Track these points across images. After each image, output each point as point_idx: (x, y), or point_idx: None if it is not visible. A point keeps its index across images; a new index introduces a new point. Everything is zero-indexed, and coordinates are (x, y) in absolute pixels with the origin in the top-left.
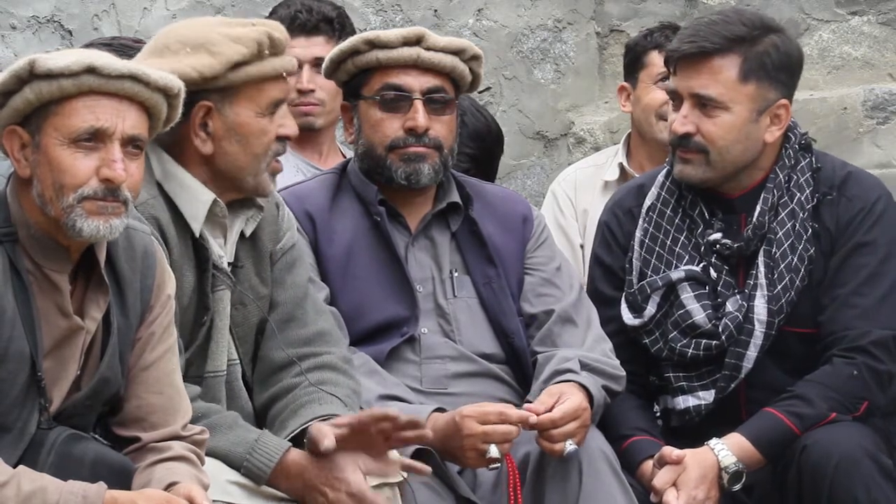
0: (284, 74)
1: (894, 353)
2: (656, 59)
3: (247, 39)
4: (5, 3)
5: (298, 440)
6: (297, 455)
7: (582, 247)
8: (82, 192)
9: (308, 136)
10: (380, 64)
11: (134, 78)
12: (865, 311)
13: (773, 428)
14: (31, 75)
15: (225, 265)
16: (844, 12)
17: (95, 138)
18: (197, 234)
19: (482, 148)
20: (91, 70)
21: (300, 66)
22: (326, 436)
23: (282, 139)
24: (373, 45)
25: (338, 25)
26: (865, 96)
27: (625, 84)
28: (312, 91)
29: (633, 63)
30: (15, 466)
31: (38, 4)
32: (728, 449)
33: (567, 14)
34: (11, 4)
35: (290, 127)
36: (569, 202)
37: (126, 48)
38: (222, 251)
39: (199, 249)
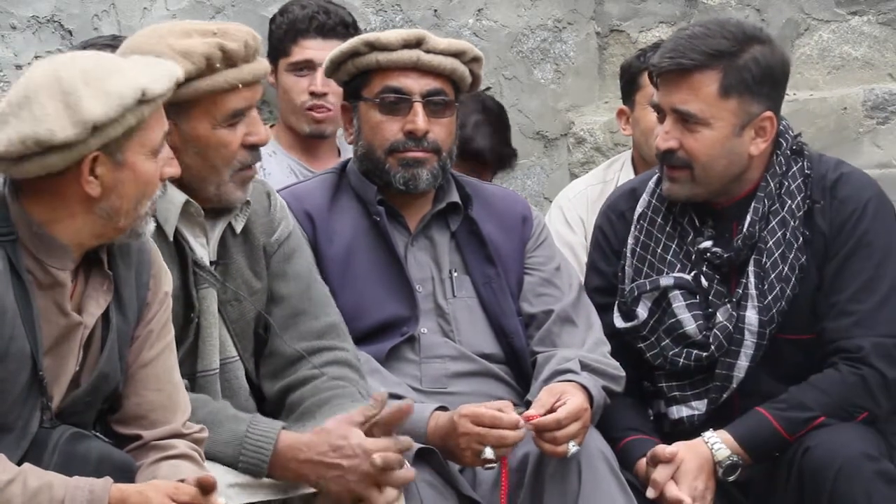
0: (241, 86)
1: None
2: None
3: (195, 55)
4: (5, 3)
5: None
6: (289, 438)
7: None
8: (155, 197)
9: (315, 143)
10: (380, 66)
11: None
12: (863, 318)
13: (762, 430)
14: (138, 103)
15: (206, 263)
16: (844, 12)
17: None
18: (170, 237)
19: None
20: (176, 82)
21: (314, 67)
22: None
23: (251, 147)
24: (373, 46)
25: (353, 31)
26: (865, 96)
27: (623, 108)
28: (325, 94)
29: (629, 85)
30: (18, 465)
31: (38, 4)
32: (722, 442)
33: (567, 14)
34: (11, 4)
35: (259, 134)
36: (580, 222)
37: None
38: (204, 250)
39: (181, 248)
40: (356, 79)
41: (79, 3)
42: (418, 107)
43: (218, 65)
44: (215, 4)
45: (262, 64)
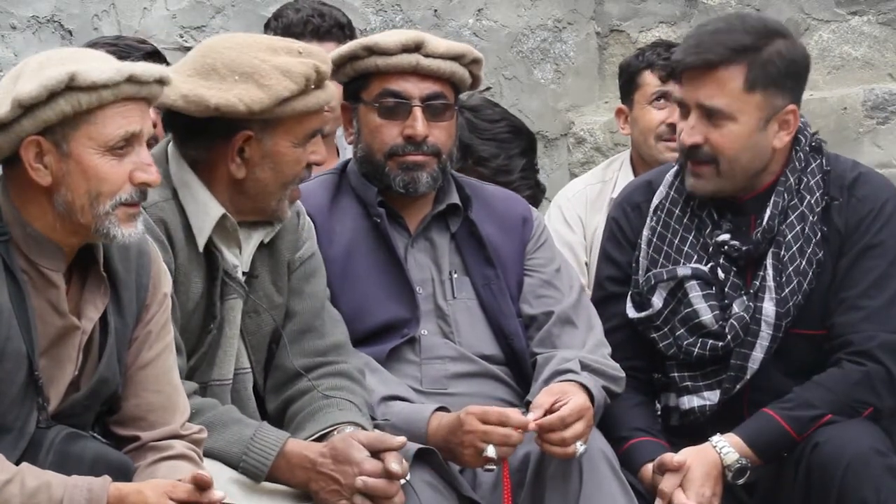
0: (326, 108)
1: None
2: (649, 79)
3: (296, 74)
4: (5, 3)
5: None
6: (296, 445)
7: (587, 264)
8: (119, 199)
9: None
10: (378, 70)
11: (161, 81)
12: (873, 313)
13: (770, 430)
14: (67, 88)
15: (239, 275)
16: (844, 12)
17: (127, 143)
18: (201, 248)
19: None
20: (130, 79)
21: None
22: (396, 460)
23: (309, 165)
24: (371, 51)
25: (348, 31)
26: (865, 96)
27: (622, 107)
28: None
29: (628, 85)
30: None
31: (38, 4)
32: (730, 446)
33: (567, 14)
34: (11, 4)
35: (320, 154)
36: (579, 221)
37: (131, 49)
38: (237, 261)
39: (210, 257)
40: (355, 81)
41: (79, 3)
42: (417, 111)
43: (312, 86)
44: (215, 4)
45: (335, 87)
